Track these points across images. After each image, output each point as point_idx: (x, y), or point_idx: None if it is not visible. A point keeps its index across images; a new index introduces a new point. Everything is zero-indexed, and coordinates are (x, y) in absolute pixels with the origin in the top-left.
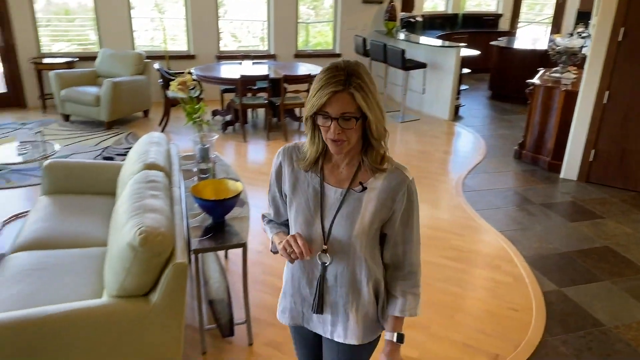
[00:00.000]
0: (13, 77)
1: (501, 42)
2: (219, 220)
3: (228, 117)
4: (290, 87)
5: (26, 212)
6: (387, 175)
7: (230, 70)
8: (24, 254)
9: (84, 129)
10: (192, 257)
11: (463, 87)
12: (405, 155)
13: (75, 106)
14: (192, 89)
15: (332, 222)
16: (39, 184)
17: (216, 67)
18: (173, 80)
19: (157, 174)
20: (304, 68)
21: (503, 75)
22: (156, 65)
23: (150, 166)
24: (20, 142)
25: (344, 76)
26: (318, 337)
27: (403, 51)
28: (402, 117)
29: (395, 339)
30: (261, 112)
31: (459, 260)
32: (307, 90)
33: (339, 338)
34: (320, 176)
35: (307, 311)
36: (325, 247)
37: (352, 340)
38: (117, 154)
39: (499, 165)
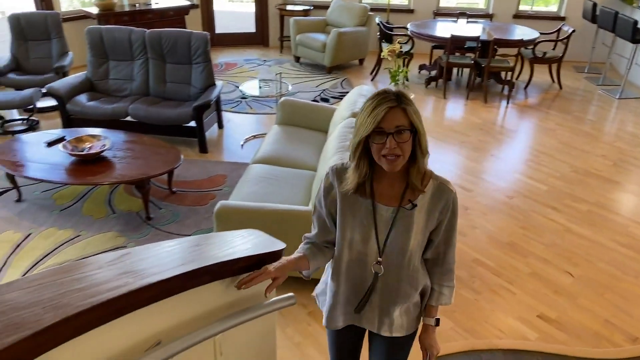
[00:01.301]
0: (262, 19)
1: None
2: None
3: (433, 73)
4: (500, 50)
5: (262, 134)
6: (434, 192)
7: (444, 28)
8: (260, 166)
9: (309, 71)
10: None
11: None
12: (612, 136)
13: (306, 50)
14: (405, 43)
15: (387, 238)
16: (273, 114)
17: (431, 24)
18: (390, 34)
19: None
20: (519, 32)
21: None
22: (377, 19)
23: (356, 115)
24: (262, 80)
25: (394, 95)
26: (359, 334)
27: (635, 22)
28: (621, 92)
29: (434, 324)
30: (467, 71)
31: (629, 247)
32: (517, 55)
33: (385, 333)
34: (371, 196)
35: (358, 312)
36: (380, 259)
37: (398, 333)
38: (332, 97)
39: None
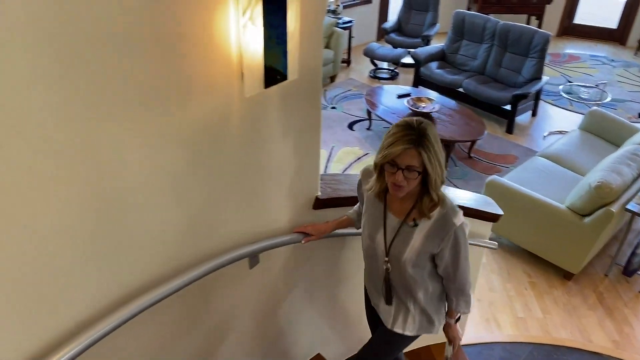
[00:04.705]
0: (629, 15)
1: None
2: None
3: None
4: None
5: (565, 131)
6: (436, 220)
7: None
8: (543, 160)
9: None
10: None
11: None
12: None
13: None
14: None
15: (391, 243)
16: (582, 114)
17: None
18: None
19: None
20: None
21: None
22: None
23: None
24: (586, 85)
25: (415, 136)
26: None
27: None
28: None
29: (454, 322)
30: None
31: None
32: None
33: (392, 327)
34: (384, 204)
35: (377, 299)
36: (386, 259)
37: (395, 328)
38: None
39: None
